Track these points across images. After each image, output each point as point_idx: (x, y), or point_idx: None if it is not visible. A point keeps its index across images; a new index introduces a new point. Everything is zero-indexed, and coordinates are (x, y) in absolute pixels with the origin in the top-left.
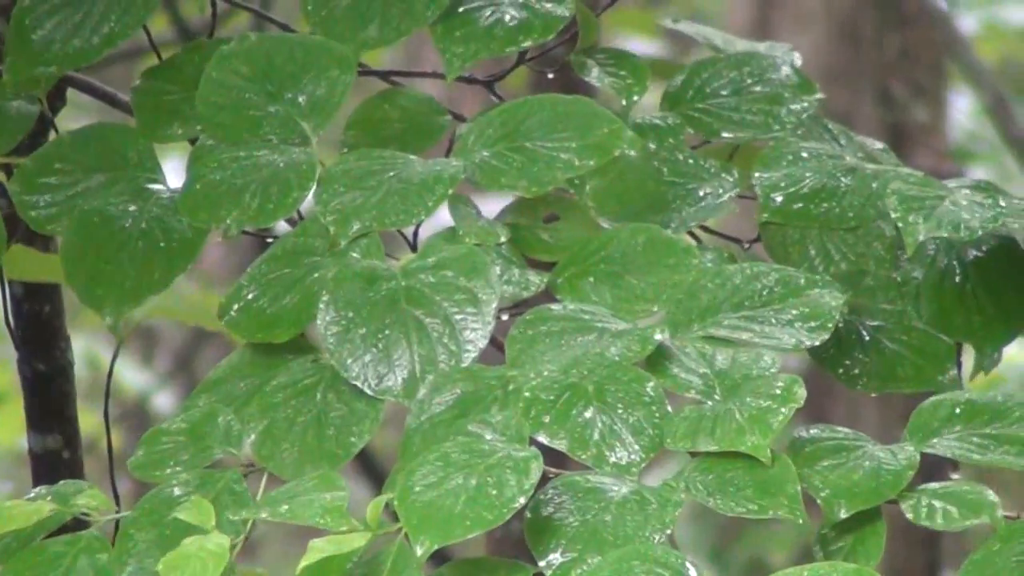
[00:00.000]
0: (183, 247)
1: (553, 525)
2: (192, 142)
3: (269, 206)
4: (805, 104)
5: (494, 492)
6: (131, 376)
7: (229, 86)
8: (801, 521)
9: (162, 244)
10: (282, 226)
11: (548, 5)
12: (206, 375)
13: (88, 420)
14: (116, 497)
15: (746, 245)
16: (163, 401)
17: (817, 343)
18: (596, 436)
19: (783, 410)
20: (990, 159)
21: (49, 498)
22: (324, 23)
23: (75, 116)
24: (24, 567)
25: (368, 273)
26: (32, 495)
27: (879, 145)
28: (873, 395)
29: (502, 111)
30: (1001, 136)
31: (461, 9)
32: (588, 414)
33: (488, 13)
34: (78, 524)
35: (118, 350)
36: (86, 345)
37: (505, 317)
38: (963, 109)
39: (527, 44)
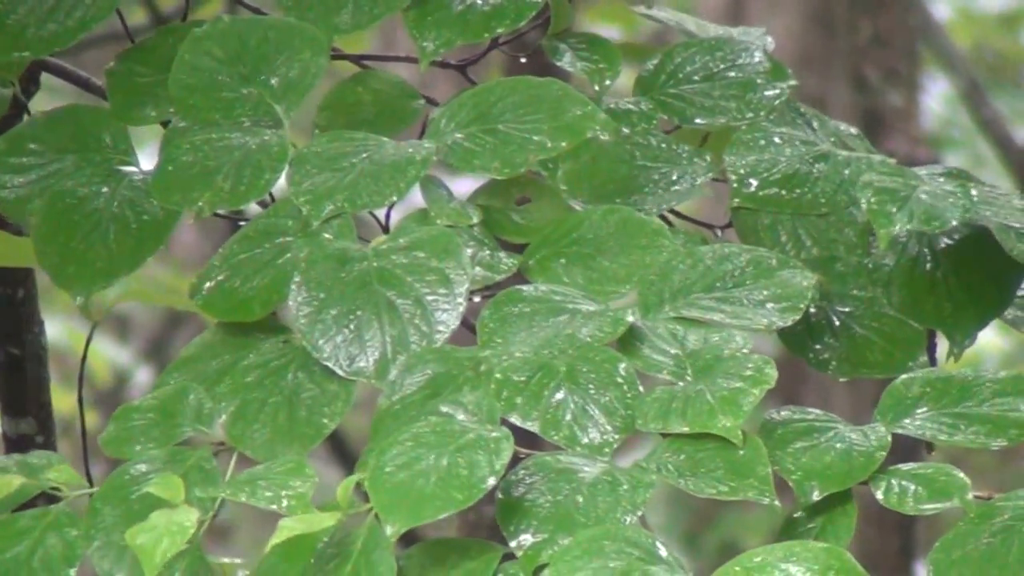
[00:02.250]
0: (154, 229)
1: (524, 506)
2: (165, 124)
3: (241, 188)
4: (778, 90)
5: (465, 472)
6: (110, 352)
7: (202, 68)
8: (768, 502)
9: (134, 226)
10: (254, 208)
11: None
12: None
13: (65, 401)
14: (89, 479)
15: (718, 231)
16: (140, 379)
17: (788, 323)
18: (568, 417)
19: (754, 391)
20: (964, 144)
21: (16, 470)
22: (297, 8)
23: (49, 100)
24: None
25: (340, 254)
26: (0, 466)
27: (853, 130)
28: (843, 380)
29: (474, 94)
30: (975, 121)
31: None
32: (560, 395)
33: None
34: (49, 500)
35: (92, 334)
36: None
37: (477, 299)
38: (937, 94)
39: (500, 30)
